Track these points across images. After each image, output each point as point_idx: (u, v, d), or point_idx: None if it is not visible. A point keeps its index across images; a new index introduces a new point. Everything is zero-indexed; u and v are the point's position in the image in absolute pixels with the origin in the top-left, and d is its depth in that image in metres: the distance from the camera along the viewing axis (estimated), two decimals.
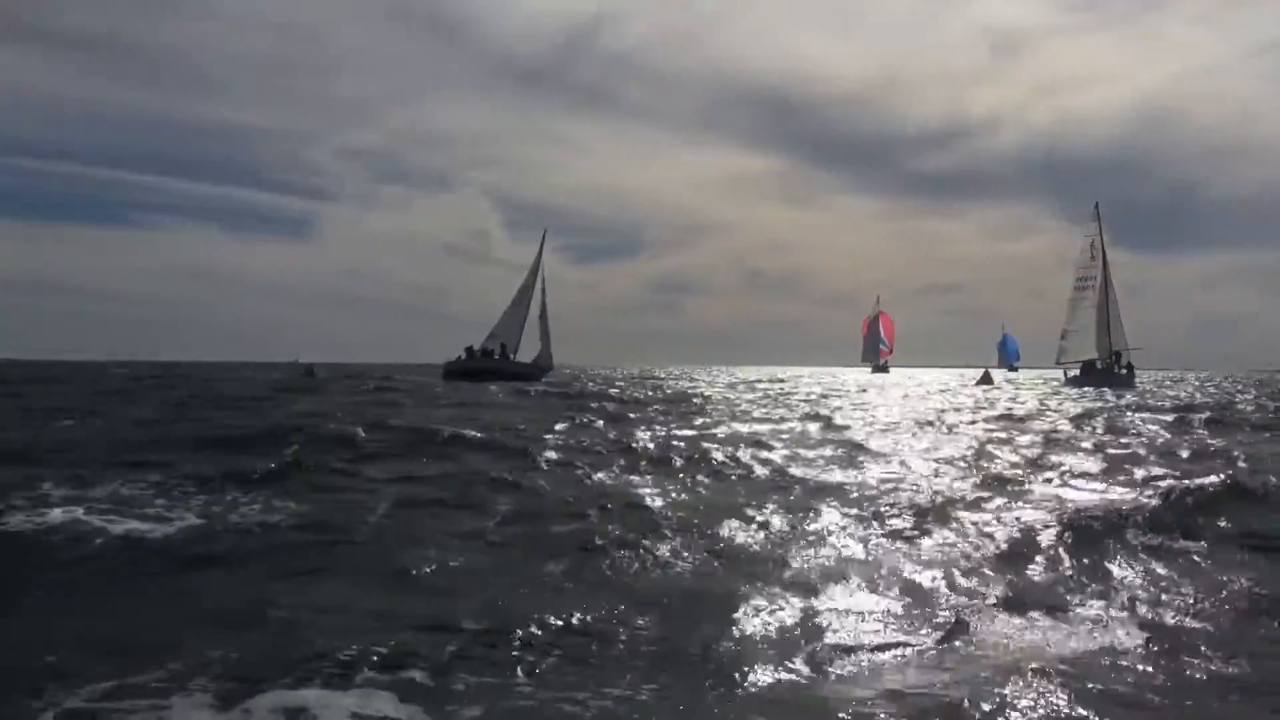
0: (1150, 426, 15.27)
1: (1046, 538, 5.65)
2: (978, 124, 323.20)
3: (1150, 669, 3.45)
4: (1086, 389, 38.82)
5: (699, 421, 15.72)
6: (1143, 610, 4.27)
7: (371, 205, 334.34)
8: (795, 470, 9.07)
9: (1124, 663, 3.51)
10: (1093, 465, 9.59)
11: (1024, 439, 13.04)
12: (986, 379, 51.88)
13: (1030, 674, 3.31)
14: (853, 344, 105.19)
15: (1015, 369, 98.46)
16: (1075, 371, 44.90)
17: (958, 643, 3.81)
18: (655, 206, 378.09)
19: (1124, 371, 42.57)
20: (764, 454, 10.17)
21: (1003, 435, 13.74)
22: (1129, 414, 19.22)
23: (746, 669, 3.45)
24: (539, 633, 3.82)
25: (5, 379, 29.39)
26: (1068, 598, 4.52)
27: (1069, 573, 5.03)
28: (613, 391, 28.67)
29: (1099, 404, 24.81)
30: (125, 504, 6.22)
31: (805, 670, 3.48)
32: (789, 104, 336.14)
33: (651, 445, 10.73)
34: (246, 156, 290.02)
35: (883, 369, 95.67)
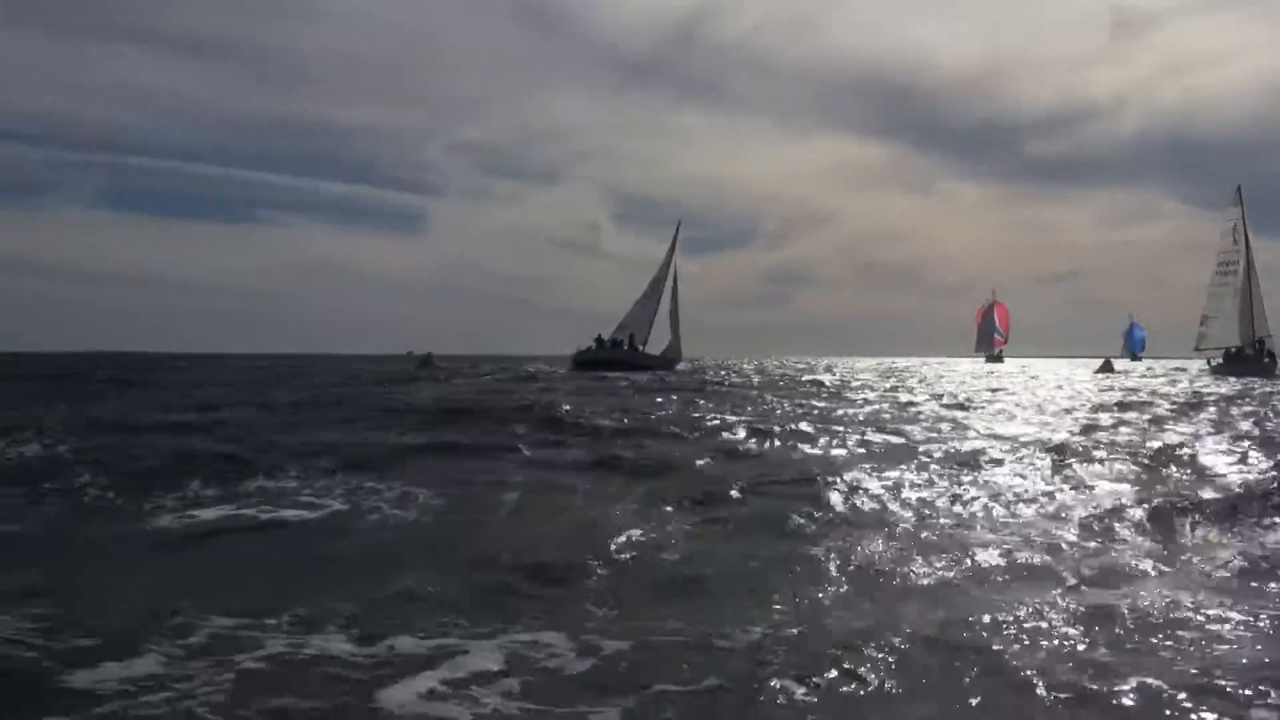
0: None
1: (1137, 513, 5.64)
2: (1097, 107, 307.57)
3: (1230, 643, 3.32)
4: (1230, 378, 36.68)
5: (824, 405, 15.79)
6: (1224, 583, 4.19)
7: (481, 200, 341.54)
8: (920, 445, 9.22)
9: (1193, 634, 3.41)
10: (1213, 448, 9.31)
11: (1142, 422, 12.82)
12: (1107, 367, 49.97)
13: (1107, 634, 3.36)
14: (966, 334, 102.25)
15: (1138, 358, 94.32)
16: (1218, 360, 42.76)
17: (1064, 600, 3.88)
18: (766, 197, 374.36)
19: (1267, 360, 40.28)
20: (892, 438, 10.24)
21: (1124, 418, 13.40)
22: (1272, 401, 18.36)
23: (869, 621, 3.55)
24: (678, 579, 4.12)
25: (138, 369, 30.84)
26: (1151, 568, 4.49)
27: (1159, 546, 5.00)
28: (737, 379, 28.95)
29: (1237, 391, 23.67)
30: (273, 497, 6.48)
31: (930, 618, 3.59)
32: (900, 90, 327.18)
33: (784, 425, 10.92)
34: (359, 153, 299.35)
35: (997, 359, 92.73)
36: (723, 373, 36.61)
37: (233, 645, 3.16)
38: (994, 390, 23.29)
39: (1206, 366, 43.67)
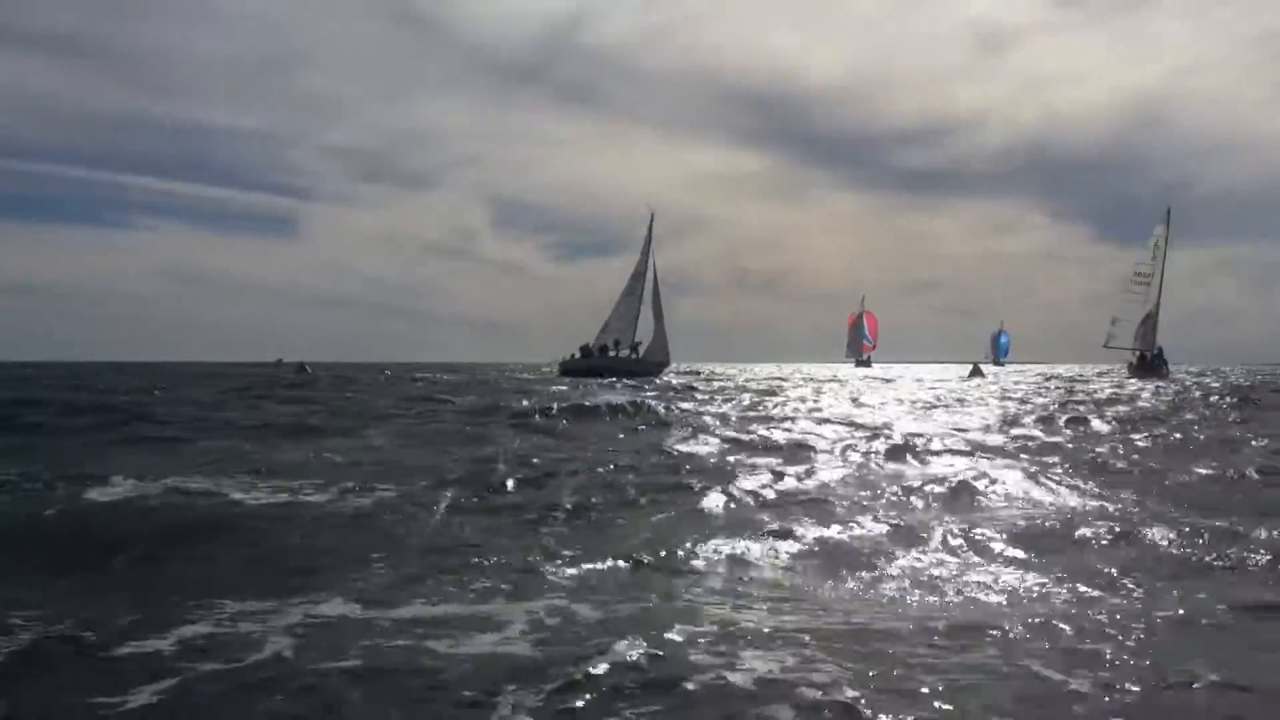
0: None
1: None
2: (963, 121, 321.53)
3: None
4: (1148, 381, 39.55)
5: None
6: None
7: (354, 204, 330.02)
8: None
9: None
10: None
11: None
12: (977, 372, 52.31)
13: None
14: (839, 340, 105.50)
15: (1001, 364, 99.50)
16: (1132, 362, 48.15)
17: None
18: (641, 203, 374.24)
19: (1164, 366, 46.77)
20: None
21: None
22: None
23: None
24: None
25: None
26: None
27: None
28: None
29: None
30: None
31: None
32: (774, 101, 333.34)
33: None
34: (228, 156, 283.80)
35: (865, 364, 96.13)
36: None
37: None
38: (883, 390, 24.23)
39: (1126, 367, 49.21)
